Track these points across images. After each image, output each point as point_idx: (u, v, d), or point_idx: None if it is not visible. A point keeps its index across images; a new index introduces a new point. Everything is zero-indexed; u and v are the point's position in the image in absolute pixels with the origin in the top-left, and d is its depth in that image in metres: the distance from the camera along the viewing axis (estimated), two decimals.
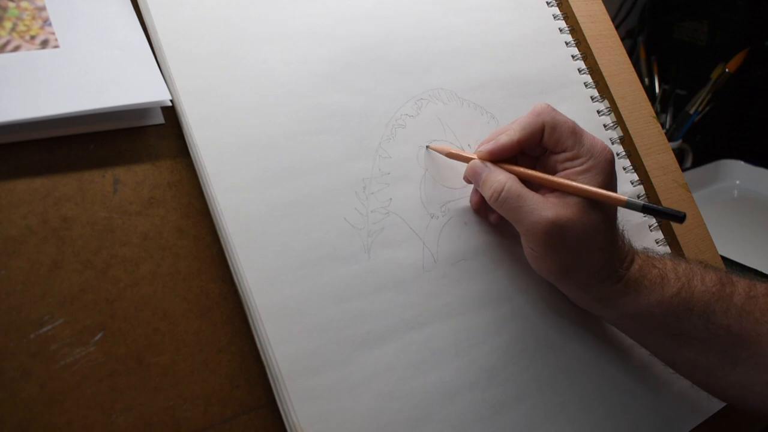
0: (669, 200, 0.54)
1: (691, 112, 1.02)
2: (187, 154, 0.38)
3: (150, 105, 0.37)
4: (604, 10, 0.59)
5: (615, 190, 0.41)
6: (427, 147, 0.44)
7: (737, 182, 1.06)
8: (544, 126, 0.40)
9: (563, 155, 0.41)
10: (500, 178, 0.40)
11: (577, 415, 0.43)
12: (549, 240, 0.38)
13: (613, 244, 0.40)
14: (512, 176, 0.40)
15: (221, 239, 0.36)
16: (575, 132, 0.40)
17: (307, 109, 0.40)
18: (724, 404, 0.49)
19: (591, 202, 0.39)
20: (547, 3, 0.55)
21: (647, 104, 0.58)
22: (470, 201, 0.44)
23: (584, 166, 0.40)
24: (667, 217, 0.38)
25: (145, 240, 0.35)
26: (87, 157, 0.36)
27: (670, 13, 1.12)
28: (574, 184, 0.39)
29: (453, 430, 0.38)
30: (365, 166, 0.41)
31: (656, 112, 0.60)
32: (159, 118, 0.38)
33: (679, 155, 1.06)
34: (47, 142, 0.35)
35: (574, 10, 0.56)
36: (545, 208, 0.38)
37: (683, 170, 0.92)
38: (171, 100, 0.37)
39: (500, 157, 0.41)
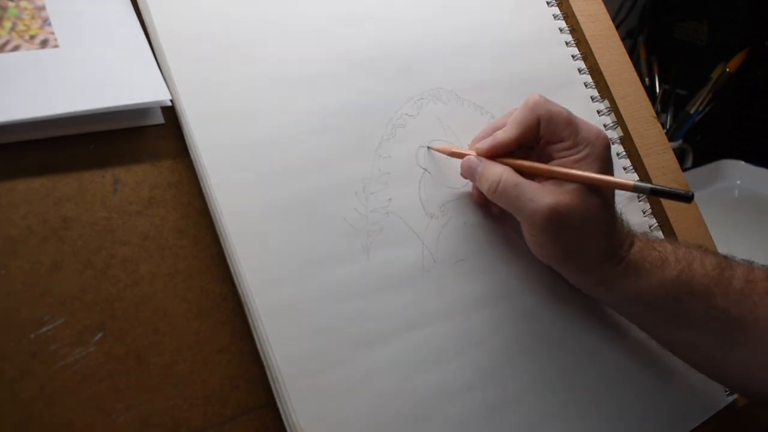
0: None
1: (691, 112, 1.02)
2: (187, 154, 0.38)
3: (150, 105, 0.37)
4: (604, 10, 0.59)
5: (612, 175, 0.41)
6: (428, 147, 0.44)
7: (737, 182, 1.06)
8: (540, 119, 0.41)
9: (560, 145, 0.41)
10: (496, 171, 0.40)
11: (576, 415, 0.43)
12: (549, 226, 0.39)
13: (611, 228, 0.41)
14: (507, 168, 0.41)
15: (221, 239, 0.36)
16: (570, 122, 0.41)
17: (307, 109, 0.40)
18: (728, 402, 0.49)
19: (588, 187, 0.39)
20: (547, 3, 0.55)
21: (647, 104, 0.57)
22: (472, 194, 0.44)
23: (581, 154, 0.40)
24: (674, 198, 0.39)
25: (145, 240, 0.35)
26: (87, 157, 0.35)
27: (670, 13, 1.12)
28: (579, 173, 0.39)
29: (453, 430, 0.38)
30: (365, 166, 0.41)
31: (656, 112, 0.60)
32: (159, 118, 0.38)
33: (679, 155, 1.06)
34: (47, 142, 0.34)
35: (574, 9, 0.56)
36: (544, 194, 0.39)
37: (683, 170, 0.92)
38: (171, 100, 0.37)
39: (498, 154, 0.42)
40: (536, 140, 0.42)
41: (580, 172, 0.40)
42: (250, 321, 0.36)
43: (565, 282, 0.44)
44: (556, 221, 0.39)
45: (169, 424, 0.33)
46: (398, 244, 0.41)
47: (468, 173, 0.43)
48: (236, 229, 0.36)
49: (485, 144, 0.42)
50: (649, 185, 0.39)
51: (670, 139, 1.02)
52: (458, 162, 0.44)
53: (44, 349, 0.31)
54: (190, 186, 0.38)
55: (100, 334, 0.33)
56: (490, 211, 0.45)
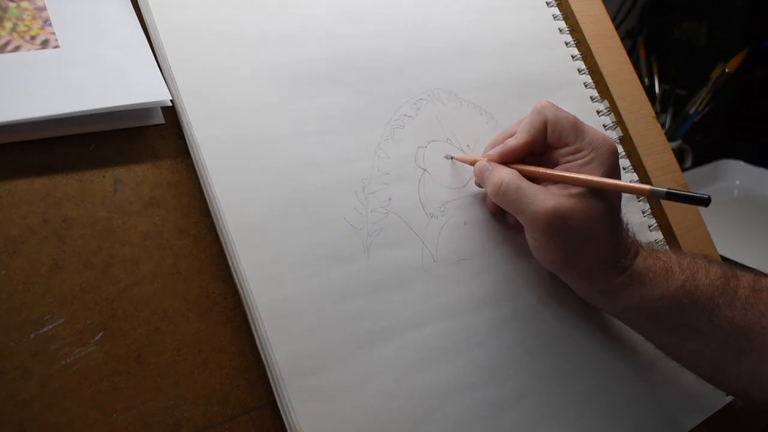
0: (669, 200, 0.54)
1: (691, 112, 1.02)
2: (187, 154, 0.38)
3: (150, 105, 0.37)
4: (604, 11, 0.59)
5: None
6: (451, 158, 0.45)
7: (737, 182, 1.06)
8: (546, 122, 0.41)
9: (565, 149, 0.41)
10: (501, 174, 0.41)
11: (576, 415, 0.43)
12: (550, 229, 0.39)
13: (616, 236, 0.40)
14: (513, 171, 0.41)
15: (221, 239, 0.36)
16: (576, 126, 0.41)
17: (307, 109, 0.40)
18: (726, 402, 0.49)
19: (593, 192, 0.39)
20: (547, 3, 0.55)
21: (647, 104, 0.58)
22: (486, 204, 0.45)
23: (585, 159, 0.40)
24: (692, 201, 0.38)
25: (146, 240, 0.35)
26: (87, 157, 0.36)
27: (670, 13, 1.12)
28: (590, 177, 0.39)
29: (452, 430, 0.38)
30: (364, 166, 0.41)
31: (656, 112, 0.60)
32: (159, 118, 0.38)
33: (679, 155, 1.06)
34: (47, 142, 0.35)
35: (574, 10, 0.56)
36: (546, 198, 0.39)
37: (683, 170, 0.92)
38: (171, 100, 0.37)
39: (509, 160, 0.42)
40: (545, 146, 0.42)
41: (590, 177, 0.39)
42: (250, 321, 0.36)
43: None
44: (556, 225, 0.38)
45: (169, 423, 0.33)
46: (398, 243, 0.41)
47: (478, 177, 0.43)
48: (237, 228, 0.36)
49: (496, 150, 0.42)
50: (665, 189, 0.37)
51: (670, 139, 1.03)
52: (458, 163, 0.44)
53: (45, 349, 0.31)
54: (190, 186, 0.38)
55: (100, 334, 0.33)
56: (508, 219, 0.45)
